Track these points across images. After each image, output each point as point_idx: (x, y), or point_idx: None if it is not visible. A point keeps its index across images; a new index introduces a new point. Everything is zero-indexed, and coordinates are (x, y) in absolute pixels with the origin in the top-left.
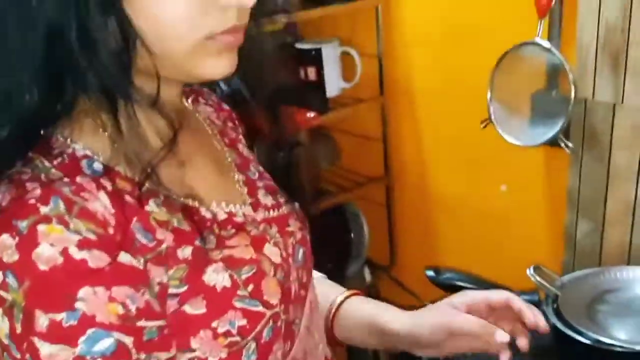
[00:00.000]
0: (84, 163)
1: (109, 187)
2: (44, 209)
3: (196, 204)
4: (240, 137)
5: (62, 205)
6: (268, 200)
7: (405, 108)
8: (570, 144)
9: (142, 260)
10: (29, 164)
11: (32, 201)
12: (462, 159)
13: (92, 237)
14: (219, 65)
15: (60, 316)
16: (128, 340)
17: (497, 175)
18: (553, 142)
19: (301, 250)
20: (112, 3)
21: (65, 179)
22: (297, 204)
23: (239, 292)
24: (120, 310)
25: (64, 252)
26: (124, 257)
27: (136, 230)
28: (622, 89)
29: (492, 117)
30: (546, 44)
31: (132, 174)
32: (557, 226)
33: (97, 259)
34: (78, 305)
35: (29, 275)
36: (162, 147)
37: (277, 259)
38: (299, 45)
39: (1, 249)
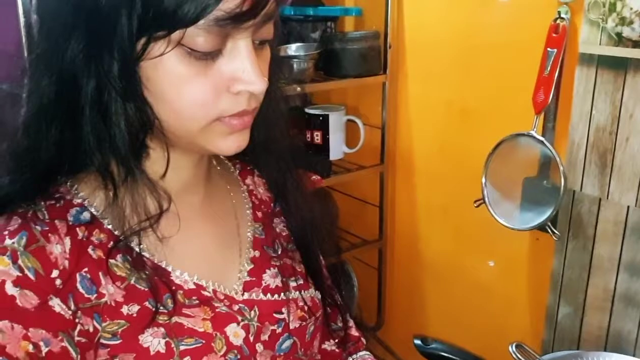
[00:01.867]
0: (73, 210)
1: (80, 236)
2: (7, 241)
3: (169, 267)
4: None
5: (24, 241)
6: (272, 282)
7: (403, 178)
8: (557, 232)
9: (72, 308)
10: (30, 203)
11: (5, 232)
12: (454, 232)
13: (32, 277)
14: (228, 144)
15: None
16: None
17: (486, 250)
18: (541, 227)
19: (289, 341)
20: (134, 91)
21: (46, 220)
22: (317, 292)
23: None
24: (31, 349)
25: (1, 284)
26: (54, 302)
27: (80, 279)
28: (607, 186)
29: (486, 198)
30: (540, 137)
31: (116, 230)
32: (539, 306)
33: (26, 299)
34: None
35: None
36: (146, 219)
37: (237, 342)
38: (308, 110)
39: None
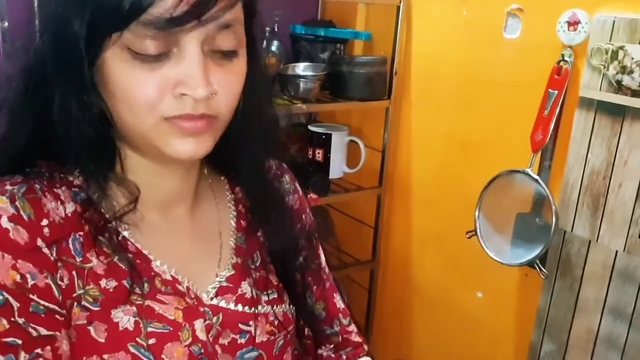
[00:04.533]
0: (73, 189)
1: (79, 209)
2: (8, 187)
3: (151, 257)
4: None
5: (23, 189)
6: (249, 291)
7: (400, 202)
8: (545, 271)
9: (54, 256)
10: (34, 169)
11: (7, 182)
12: (445, 260)
13: (25, 218)
14: (184, 147)
15: None
16: (15, 304)
17: (475, 281)
18: (530, 264)
19: (254, 353)
20: (89, 89)
21: (46, 183)
22: (291, 307)
23: (138, 339)
24: (18, 279)
25: None
26: (40, 243)
27: (71, 238)
28: (598, 229)
29: (478, 231)
30: (535, 175)
31: (108, 214)
32: (524, 341)
33: (18, 234)
34: None
35: None
36: (123, 207)
37: (203, 336)
38: (311, 127)
39: None
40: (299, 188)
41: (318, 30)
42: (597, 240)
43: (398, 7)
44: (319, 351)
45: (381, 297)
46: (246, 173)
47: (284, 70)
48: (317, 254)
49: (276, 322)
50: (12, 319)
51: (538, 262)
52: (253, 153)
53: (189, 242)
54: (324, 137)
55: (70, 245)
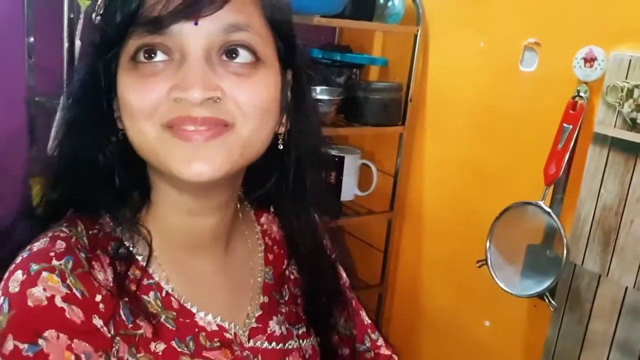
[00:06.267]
0: (112, 243)
1: (119, 269)
2: (55, 262)
3: (194, 309)
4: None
5: (70, 264)
6: (278, 329)
7: (410, 227)
8: (554, 303)
9: (112, 332)
10: (71, 226)
11: (52, 254)
12: (455, 287)
13: (79, 295)
14: (191, 165)
15: (23, 346)
16: None
17: (484, 310)
18: (540, 296)
19: None
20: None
21: (88, 249)
22: (317, 339)
23: None
24: (73, 359)
25: (51, 298)
26: (97, 321)
27: (122, 307)
28: (608, 264)
29: (488, 261)
30: (547, 208)
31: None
32: None
33: (73, 313)
34: (40, 342)
35: (17, 306)
36: (144, 259)
37: None
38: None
39: (12, 281)
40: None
41: (335, 55)
42: (607, 275)
43: (415, 36)
44: None
45: (389, 321)
46: (294, 212)
47: (307, 94)
48: (340, 275)
49: (306, 356)
50: None
51: (547, 294)
52: (305, 192)
53: (227, 282)
54: (336, 159)
55: (123, 316)
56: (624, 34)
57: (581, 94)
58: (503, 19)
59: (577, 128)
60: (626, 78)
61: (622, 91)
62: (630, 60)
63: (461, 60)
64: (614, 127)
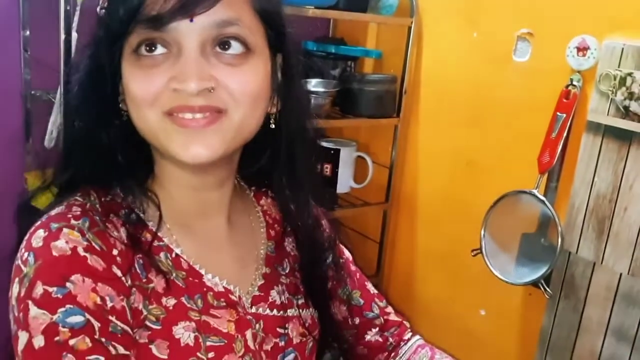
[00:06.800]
0: (122, 211)
1: (132, 231)
2: (73, 221)
3: (202, 271)
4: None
5: (87, 223)
6: (279, 298)
7: (406, 218)
8: (549, 291)
9: (129, 282)
10: (85, 196)
11: (69, 215)
12: (450, 277)
13: (98, 248)
14: (190, 148)
15: (52, 289)
16: (96, 324)
17: (479, 299)
18: (534, 284)
19: (293, 355)
20: (115, 94)
21: (101, 212)
22: (315, 312)
23: (199, 354)
24: (99, 300)
25: (74, 249)
26: (116, 270)
27: (136, 262)
28: (603, 251)
29: (483, 249)
30: (542, 196)
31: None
32: (526, 359)
33: (95, 261)
34: (68, 285)
35: (43, 257)
36: (157, 222)
37: (253, 346)
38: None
39: (35, 237)
40: None
41: (329, 48)
42: (601, 263)
43: (409, 27)
44: (366, 338)
45: None
46: (287, 187)
47: (297, 82)
48: (341, 252)
49: (306, 324)
50: (95, 336)
51: (542, 282)
52: (296, 167)
53: (232, 251)
54: (332, 152)
55: (137, 270)
56: (616, 23)
57: (574, 82)
58: (496, 10)
59: (571, 117)
60: (619, 66)
61: (614, 79)
62: (622, 49)
63: (455, 51)
64: (607, 115)
